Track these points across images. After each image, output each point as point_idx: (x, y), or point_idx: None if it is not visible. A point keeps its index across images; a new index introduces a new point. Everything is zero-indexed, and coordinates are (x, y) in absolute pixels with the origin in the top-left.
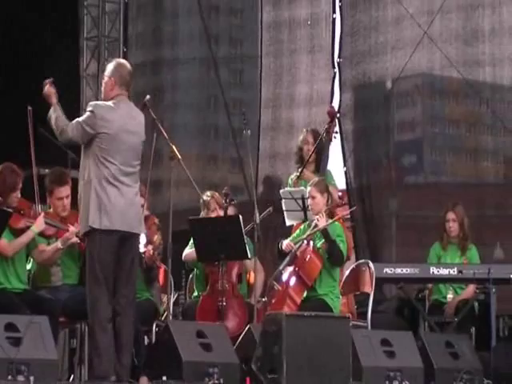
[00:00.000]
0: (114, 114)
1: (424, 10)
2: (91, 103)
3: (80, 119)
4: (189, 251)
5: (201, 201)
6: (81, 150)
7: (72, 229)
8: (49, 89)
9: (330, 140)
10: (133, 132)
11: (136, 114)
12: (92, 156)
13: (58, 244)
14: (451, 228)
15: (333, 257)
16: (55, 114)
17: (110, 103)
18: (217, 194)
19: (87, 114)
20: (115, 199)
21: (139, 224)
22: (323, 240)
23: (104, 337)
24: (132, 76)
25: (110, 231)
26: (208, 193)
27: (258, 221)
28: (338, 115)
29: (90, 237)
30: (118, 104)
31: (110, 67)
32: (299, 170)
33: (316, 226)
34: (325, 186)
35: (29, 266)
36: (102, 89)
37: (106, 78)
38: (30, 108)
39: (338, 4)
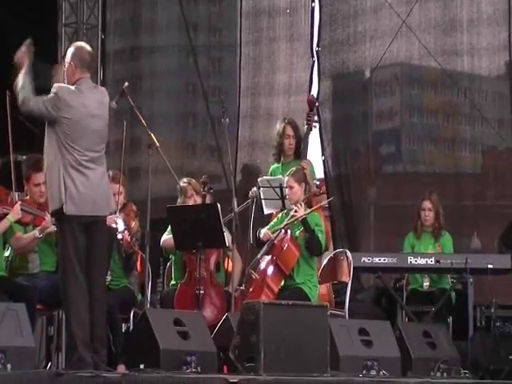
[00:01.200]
0: (77, 99)
1: (403, 0)
2: (55, 85)
3: (44, 97)
4: (167, 237)
5: (178, 187)
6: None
7: (49, 217)
8: (24, 55)
9: (310, 129)
10: (97, 116)
11: (100, 96)
12: (56, 141)
13: (36, 233)
14: (427, 217)
15: (311, 247)
16: (23, 80)
17: (72, 88)
18: (193, 180)
19: (51, 95)
20: (81, 185)
21: (107, 206)
22: (301, 229)
23: (81, 328)
24: (93, 57)
25: (77, 217)
26: (185, 179)
27: (236, 209)
28: (317, 104)
29: (58, 224)
30: (80, 88)
31: (68, 52)
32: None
33: (294, 215)
34: (302, 175)
35: (7, 253)
36: (65, 76)
37: (66, 65)
38: (8, 93)
39: None
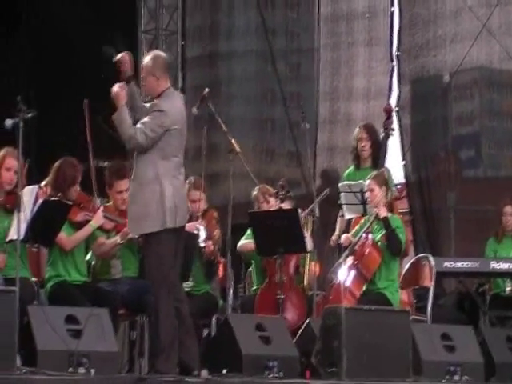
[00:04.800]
0: (177, 107)
1: (483, 3)
2: (155, 103)
3: (148, 122)
4: (243, 242)
5: (252, 196)
6: None
7: None
8: (119, 91)
9: (388, 136)
10: (185, 122)
11: (182, 102)
12: (157, 152)
13: (117, 239)
14: (509, 222)
15: (392, 245)
16: (121, 117)
17: (169, 99)
18: (265, 186)
19: (155, 114)
20: (180, 194)
21: (188, 214)
22: (382, 233)
23: (168, 334)
24: (167, 62)
25: (177, 228)
26: (255, 188)
27: (317, 214)
28: (397, 109)
29: (156, 236)
30: (173, 98)
31: (147, 64)
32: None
33: (376, 216)
34: (384, 178)
35: (87, 258)
36: (146, 89)
37: (147, 78)
38: (86, 101)
39: None
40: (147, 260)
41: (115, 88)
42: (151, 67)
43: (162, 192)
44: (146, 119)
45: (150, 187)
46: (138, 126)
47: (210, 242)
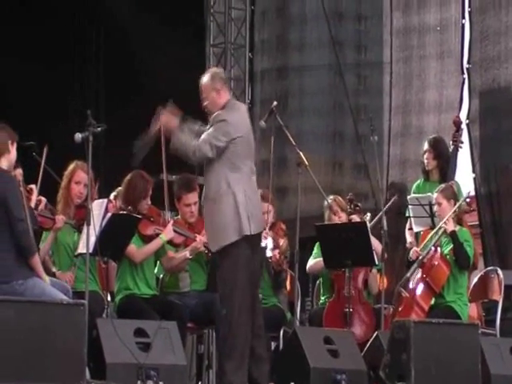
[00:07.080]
0: (240, 116)
1: None
2: (217, 114)
3: (212, 132)
4: (312, 263)
5: (325, 204)
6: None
7: (200, 238)
8: (166, 119)
9: (457, 149)
10: (251, 132)
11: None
12: (225, 164)
13: (187, 254)
14: None
15: (460, 259)
16: (179, 140)
17: (231, 110)
18: (339, 197)
19: (218, 124)
20: (255, 200)
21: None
22: (451, 246)
23: (240, 344)
24: (225, 75)
25: (256, 235)
26: (331, 196)
27: (385, 227)
28: (467, 121)
29: (233, 245)
30: (235, 108)
31: (206, 83)
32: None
33: (444, 230)
34: (452, 192)
35: (154, 271)
36: (210, 105)
37: (208, 96)
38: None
39: (467, 9)
40: (221, 268)
41: (163, 118)
42: (211, 83)
43: (235, 202)
44: (209, 130)
45: (223, 200)
46: (202, 137)
47: (276, 251)
